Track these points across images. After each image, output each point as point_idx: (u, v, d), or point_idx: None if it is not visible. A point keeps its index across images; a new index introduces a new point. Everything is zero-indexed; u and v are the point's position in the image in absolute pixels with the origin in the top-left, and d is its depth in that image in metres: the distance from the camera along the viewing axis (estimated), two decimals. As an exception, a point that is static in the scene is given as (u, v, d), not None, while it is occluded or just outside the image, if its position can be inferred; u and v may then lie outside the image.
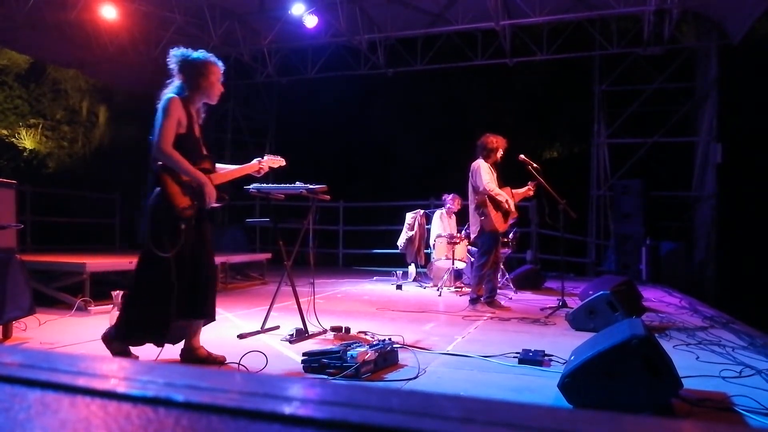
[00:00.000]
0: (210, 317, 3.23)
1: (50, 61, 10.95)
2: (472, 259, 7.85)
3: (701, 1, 8.98)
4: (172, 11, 9.26)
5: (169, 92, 3.06)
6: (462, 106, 15.22)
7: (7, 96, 10.93)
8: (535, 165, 5.69)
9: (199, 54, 3.14)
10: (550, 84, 13.97)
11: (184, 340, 3.23)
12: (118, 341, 3.06)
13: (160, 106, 3.01)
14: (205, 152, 3.18)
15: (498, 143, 5.63)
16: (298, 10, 9.19)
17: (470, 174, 5.65)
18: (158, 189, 2.92)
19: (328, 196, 4.17)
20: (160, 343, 3.06)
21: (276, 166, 3.54)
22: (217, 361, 3.23)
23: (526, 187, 5.82)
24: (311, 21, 9.45)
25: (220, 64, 3.20)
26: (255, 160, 3.42)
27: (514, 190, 5.77)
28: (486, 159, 5.63)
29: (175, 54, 3.12)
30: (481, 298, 5.63)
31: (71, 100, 12.06)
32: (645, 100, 10.97)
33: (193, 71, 3.09)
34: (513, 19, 9.44)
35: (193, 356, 3.23)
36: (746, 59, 10.90)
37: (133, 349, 3.17)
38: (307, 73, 11.45)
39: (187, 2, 9.40)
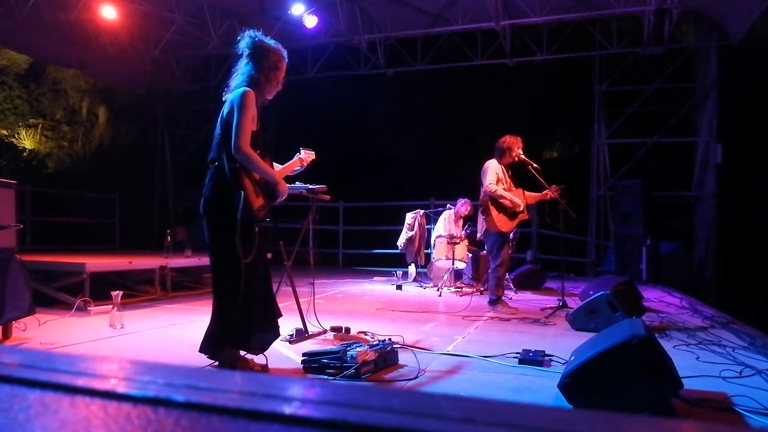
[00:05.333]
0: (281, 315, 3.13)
1: (50, 61, 10.94)
2: (470, 255, 7.89)
3: (701, 1, 8.98)
4: (172, 11, 9.26)
5: (241, 83, 2.83)
6: (462, 106, 15.22)
7: (6, 96, 10.92)
8: (535, 165, 5.68)
9: (274, 43, 2.91)
10: (550, 84, 13.96)
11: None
12: (227, 347, 2.88)
13: (234, 99, 2.77)
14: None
15: (510, 143, 5.61)
16: (298, 10, 9.20)
17: (481, 173, 5.66)
18: (239, 192, 2.71)
19: (328, 196, 4.17)
20: (258, 350, 2.95)
21: (310, 159, 3.43)
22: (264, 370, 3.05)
23: (544, 192, 5.70)
24: (311, 21, 9.45)
25: (286, 60, 2.98)
26: (296, 157, 3.29)
27: (527, 193, 5.70)
28: (499, 159, 5.62)
29: (250, 36, 2.87)
30: (501, 298, 5.64)
31: (71, 100, 12.06)
32: (645, 100, 10.97)
33: (270, 61, 2.87)
34: (513, 19, 9.44)
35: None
36: (746, 59, 10.90)
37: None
38: (307, 73, 11.45)
39: (187, 2, 9.40)
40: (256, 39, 2.88)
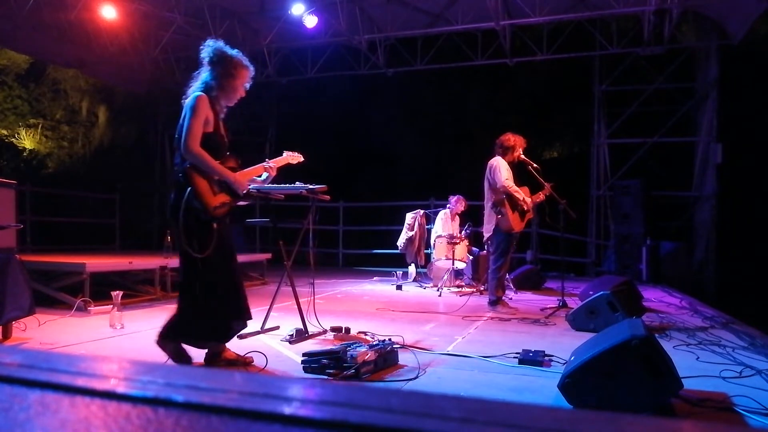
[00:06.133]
0: (250, 318, 3.23)
1: (50, 61, 10.95)
2: (471, 257, 7.89)
3: (701, 1, 8.98)
4: (172, 11, 9.26)
5: (197, 89, 2.98)
6: (462, 106, 15.22)
7: (6, 96, 10.93)
8: (535, 165, 5.67)
9: (234, 52, 3.06)
10: (550, 84, 13.97)
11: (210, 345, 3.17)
12: (175, 339, 3.03)
13: (187, 104, 2.93)
14: (229, 151, 3.14)
15: (515, 141, 5.59)
16: (298, 10, 9.19)
17: (487, 171, 5.58)
18: (189, 189, 2.85)
19: (328, 196, 4.17)
20: (223, 341, 3.09)
21: (295, 162, 3.58)
22: (246, 362, 3.18)
23: (536, 194, 5.70)
24: (311, 21, 9.45)
25: (251, 68, 3.14)
26: (260, 165, 3.39)
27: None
28: (504, 157, 5.59)
29: (210, 45, 3.03)
30: (501, 298, 5.63)
31: (71, 100, 12.06)
32: (645, 100, 10.97)
33: (225, 69, 3.01)
34: (513, 19, 9.44)
35: (221, 359, 3.15)
36: (746, 59, 10.90)
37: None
38: (307, 73, 11.45)
39: (187, 2, 9.40)
40: (216, 48, 3.04)
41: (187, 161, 2.89)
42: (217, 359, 3.12)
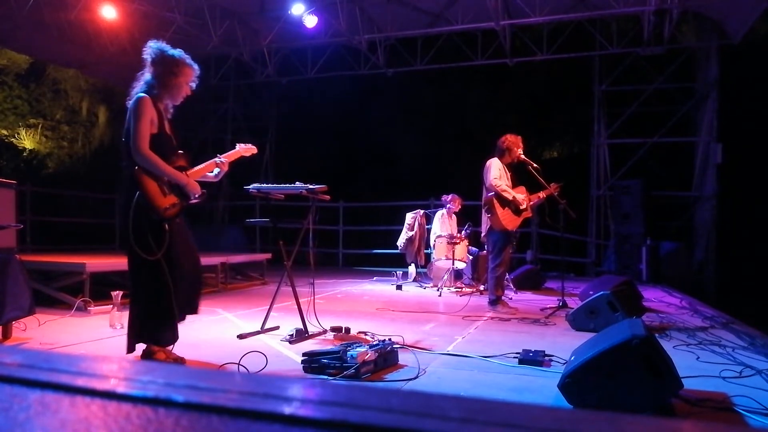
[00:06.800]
0: (196, 312, 3.25)
1: (50, 61, 10.95)
2: (471, 257, 7.89)
3: (701, 1, 8.98)
4: (172, 11, 9.26)
5: (139, 90, 3.01)
6: (462, 106, 15.23)
7: (6, 96, 10.93)
8: (535, 165, 5.68)
9: (176, 52, 3.10)
10: (550, 84, 13.97)
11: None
12: (141, 341, 3.04)
13: (130, 106, 2.96)
14: (178, 150, 3.15)
15: (511, 143, 5.62)
16: (298, 10, 9.20)
17: (483, 172, 5.65)
18: (138, 191, 2.87)
19: (328, 196, 4.17)
20: (171, 343, 3.07)
21: (249, 154, 3.60)
22: (180, 361, 3.18)
23: (536, 194, 5.70)
24: (311, 21, 9.46)
25: (195, 67, 3.17)
26: (211, 160, 3.39)
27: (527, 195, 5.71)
28: (500, 158, 5.62)
29: (152, 46, 3.07)
30: (501, 298, 5.64)
31: (71, 100, 12.06)
32: (645, 100, 10.97)
33: (165, 67, 3.04)
34: (513, 19, 9.44)
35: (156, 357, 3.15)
36: (746, 59, 10.91)
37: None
38: (307, 73, 11.45)
39: (187, 2, 9.40)
40: (157, 48, 3.07)
41: (135, 164, 2.90)
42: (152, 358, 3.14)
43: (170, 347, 3.11)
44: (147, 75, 3.07)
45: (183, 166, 3.11)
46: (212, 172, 3.38)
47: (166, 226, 2.95)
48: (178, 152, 3.12)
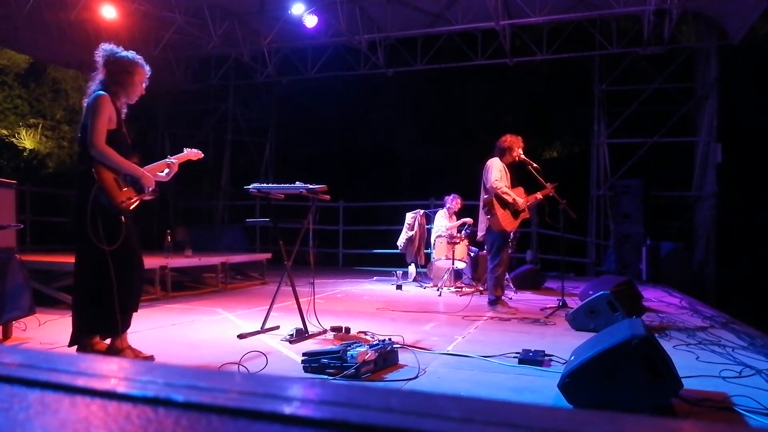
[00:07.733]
0: (136, 310, 3.28)
1: (50, 61, 10.95)
2: (472, 255, 7.89)
3: (701, 1, 8.98)
4: (172, 11, 9.26)
5: (95, 89, 3.11)
6: (462, 106, 15.23)
7: (7, 96, 10.93)
8: (535, 165, 5.68)
9: (128, 53, 3.22)
10: (550, 84, 13.98)
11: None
12: (81, 336, 3.11)
13: (89, 103, 3.05)
14: (132, 148, 3.26)
15: (511, 143, 5.62)
16: (298, 10, 9.19)
17: (483, 172, 5.65)
18: (96, 185, 2.95)
19: (328, 196, 4.17)
20: (113, 335, 3.12)
21: (196, 158, 3.69)
22: (147, 359, 3.22)
23: (534, 195, 5.68)
24: (311, 21, 9.45)
25: (147, 68, 3.27)
26: (162, 161, 3.49)
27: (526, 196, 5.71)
28: (501, 158, 5.62)
29: (104, 49, 3.18)
30: (501, 298, 5.64)
31: (71, 99, 12.06)
32: (645, 100, 10.97)
33: (121, 67, 3.16)
34: (513, 19, 9.44)
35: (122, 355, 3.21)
36: (746, 59, 10.91)
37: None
38: (307, 73, 11.45)
39: (187, 2, 9.40)
40: (110, 50, 3.19)
41: (92, 158, 2.99)
42: (89, 349, 3.20)
43: (120, 339, 3.15)
44: (101, 76, 3.18)
45: (136, 163, 3.22)
46: (163, 171, 3.48)
47: (123, 218, 3.03)
48: (133, 150, 3.24)
